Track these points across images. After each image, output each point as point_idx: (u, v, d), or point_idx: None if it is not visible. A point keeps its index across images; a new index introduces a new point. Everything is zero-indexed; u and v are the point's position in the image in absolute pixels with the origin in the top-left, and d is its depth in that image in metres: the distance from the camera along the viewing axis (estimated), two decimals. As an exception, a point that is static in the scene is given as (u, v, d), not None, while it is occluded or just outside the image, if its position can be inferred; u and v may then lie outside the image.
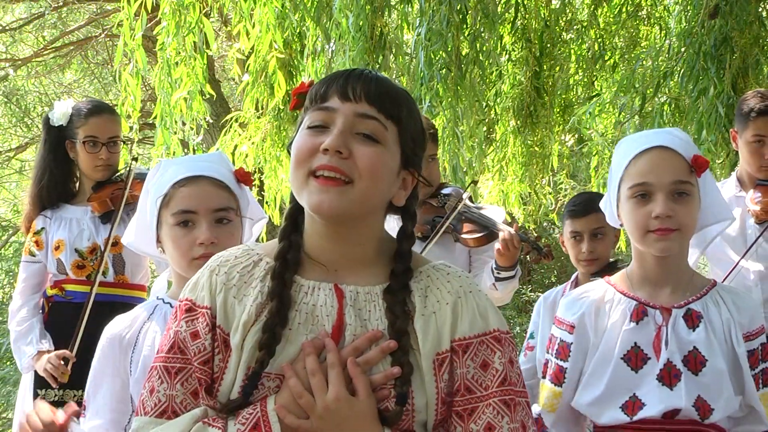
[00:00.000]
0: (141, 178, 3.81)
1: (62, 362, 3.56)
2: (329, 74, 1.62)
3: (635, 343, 2.20)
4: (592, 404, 2.22)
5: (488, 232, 3.62)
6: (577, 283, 3.50)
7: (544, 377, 2.33)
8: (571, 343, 2.26)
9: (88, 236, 3.73)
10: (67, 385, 3.59)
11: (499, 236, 3.51)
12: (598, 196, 3.51)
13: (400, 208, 1.63)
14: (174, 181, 2.24)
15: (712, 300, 2.25)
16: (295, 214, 1.63)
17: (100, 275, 3.66)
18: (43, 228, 3.75)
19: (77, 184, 3.85)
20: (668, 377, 2.16)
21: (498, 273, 3.57)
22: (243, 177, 2.34)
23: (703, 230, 2.34)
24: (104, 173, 3.79)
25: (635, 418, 2.16)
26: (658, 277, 2.25)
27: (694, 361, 2.17)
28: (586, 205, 3.41)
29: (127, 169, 3.81)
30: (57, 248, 3.72)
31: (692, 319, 2.21)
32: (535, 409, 2.32)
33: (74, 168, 3.83)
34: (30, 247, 3.76)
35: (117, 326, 2.29)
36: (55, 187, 3.78)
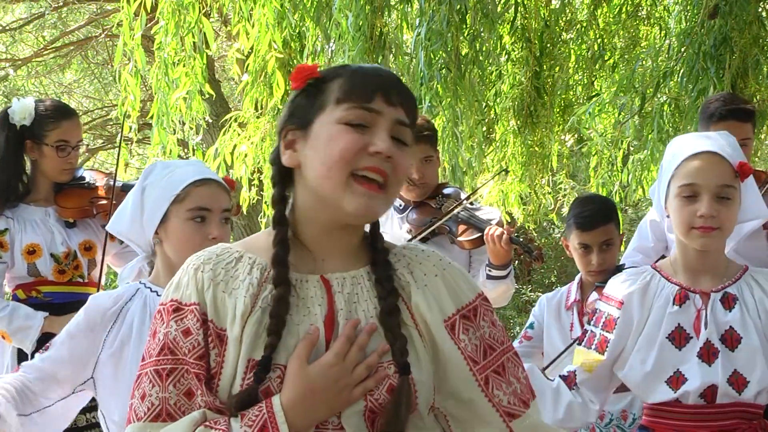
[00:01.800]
0: (126, 189, 3.78)
1: None
2: (360, 68, 1.61)
3: (678, 324, 2.47)
4: (643, 380, 2.48)
5: (483, 233, 3.61)
6: (581, 285, 3.51)
7: (581, 343, 2.59)
8: (618, 318, 2.52)
9: (62, 241, 3.66)
10: None
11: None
12: (606, 205, 3.54)
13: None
14: (190, 181, 2.46)
15: (746, 283, 2.52)
16: (283, 196, 1.62)
17: (78, 278, 3.66)
18: (6, 229, 3.62)
19: (30, 184, 3.72)
20: (707, 355, 2.43)
21: (489, 270, 3.58)
22: (231, 184, 2.63)
23: (739, 225, 2.57)
24: (69, 176, 3.72)
25: (678, 392, 2.42)
26: (699, 267, 2.52)
27: (731, 339, 2.45)
28: (594, 218, 3.39)
29: (113, 180, 3.74)
30: (32, 252, 3.62)
31: (728, 302, 2.48)
32: (569, 367, 2.57)
33: (25, 168, 3.71)
34: None
35: (103, 298, 2.49)
36: (10, 186, 3.64)
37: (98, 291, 3.68)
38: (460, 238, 3.66)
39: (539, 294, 12.64)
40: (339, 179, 1.53)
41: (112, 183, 3.72)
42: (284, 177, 1.62)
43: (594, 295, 3.34)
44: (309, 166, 1.56)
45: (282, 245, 1.58)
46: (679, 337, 2.46)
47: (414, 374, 1.53)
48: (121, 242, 3.72)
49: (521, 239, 3.60)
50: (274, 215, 1.62)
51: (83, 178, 3.82)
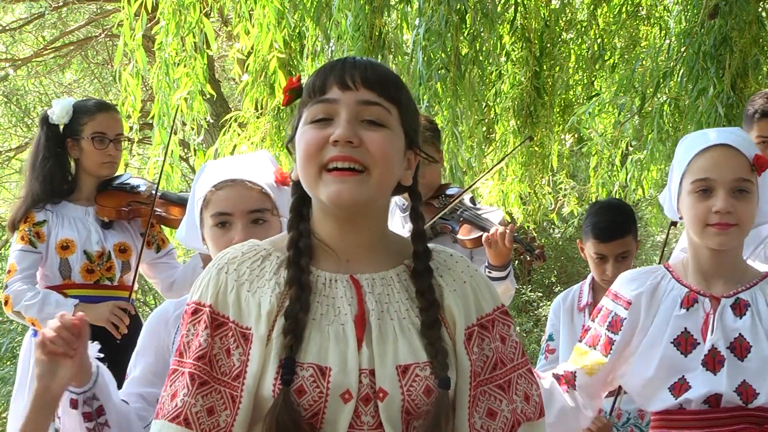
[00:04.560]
0: (165, 198, 3.85)
1: (123, 311, 3.58)
2: (322, 66, 1.62)
3: (685, 328, 2.30)
4: (644, 386, 2.32)
5: (485, 232, 3.60)
6: (593, 287, 3.50)
7: (581, 341, 2.42)
8: (625, 318, 2.35)
9: (97, 240, 3.69)
10: None
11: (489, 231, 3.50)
12: (625, 216, 3.48)
13: (407, 188, 1.65)
14: (212, 185, 2.33)
15: (762, 290, 2.33)
16: (300, 206, 1.64)
17: (107, 280, 3.68)
18: (45, 221, 3.67)
19: (74, 183, 3.79)
20: (712, 363, 2.26)
21: (489, 272, 3.56)
22: (281, 178, 2.41)
23: (756, 229, 2.44)
24: (110, 170, 3.77)
25: (679, 399, 2.26)
26: (713, 269, 2.34)
27: (740, 348, 2.27)
28: (614, 231, 3.36)
29: (155, 187, 3.78)
30: (65, 248, 3.66)
31: (740, 308, 2.31)
32: (566, 366, 2.41)
33: (70, 167, 3.79)
34: (30, 237, 3.64)
35: (165, 306, 2.39)
36: (54, 183, 3.71)
37: (130, 295, 3.74)
38: (462, 237, 3.66)
39: (539, 294, 12.64)
40: (311, 176, 1.55)
41: (153, 190, 3.76)
42: (299, 188, 1.63)
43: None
44: (299, 175, 1.59)
45: (295, 249, 1.58)
46: (685, 343, 2.30)
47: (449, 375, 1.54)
48: (158, 251, 3.79)
49: (522, 238, 3.60)
50: (288, 221, 1.63)
51: (128, 183, 3.86)
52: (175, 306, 2.37)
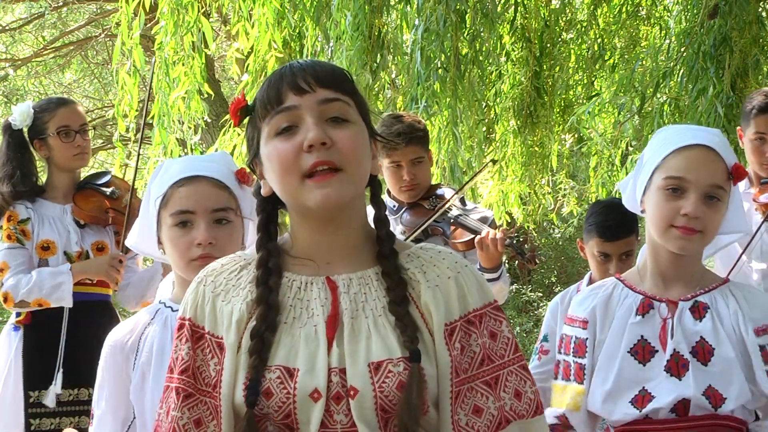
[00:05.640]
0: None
1: (119, 261, 3.63)
2: (267, 78, 1.61)
3: (642, 336, 2.21)
4: (605, 401, 2.22)
5: (476, 235, 3.59)
6: (591, 282, 3.49)
7: (557, 378, 2.33)
8: (587, 338, 2.26)
9: (76, 240, 3.72)
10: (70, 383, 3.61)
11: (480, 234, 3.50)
12: (627, 212, 3.45)
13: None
14: (172, 182, 2.23)
15: (721, 294, 2.23)
16: (267, 223, 1.63)
17: (87, 279, 3.68)
18: (28, 218, 3.68)
19: (48, 181, 3.81)
20: (676, 367, 2.17)
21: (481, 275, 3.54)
22: (243, 177, 2.33)
23: (717, 236, 2.30)
24: (83, 161, 3.80)
25: (645, 410, 2.16)
26: (670, 273, 2.25)
27: (703, 351, 2.18)
28: (619, 229, 3.35)
29: (129, 195, 3.79)
30: (46, 248, 3.67)
31: (699, 311, 2.21)
32: (552, 411, 2.30)
33: (35, 167, 3.80)
34: (17, 235, 3.65)
35: (119, 333, 2.30)
36: (27, 183, 3.72)
37: (111, 291, 3.78)
38: (453, 240, 3.65)
39: (539, 294, 12.64)
40: (292, 186, 1.54)
41: (129, 197, 3.77)
42: (265, 205, 1.63)
43: None
44: (275, 189, 1.58)
45: (264, 269, 1.59)
46: (642, 351, 2.20)
47: (425, 368, 1.53)
48: (125, 252, 3.77)
49: (515, 241, 3.58)
50: (256, 241, 1.63)
51: (109, 185, 3.86)
52: (129, 332, 2.28)
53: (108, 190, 3.84)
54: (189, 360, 1.57)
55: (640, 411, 2.17)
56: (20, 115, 3.74)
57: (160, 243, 2.28)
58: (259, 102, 1.59)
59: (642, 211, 2.30)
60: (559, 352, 2.34)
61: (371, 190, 1.67)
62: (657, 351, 2.19)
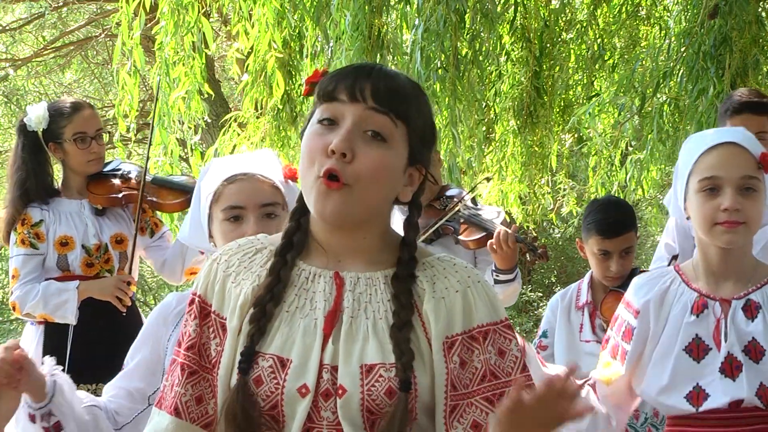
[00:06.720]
0: (157, 183, 3.88)
1: (126, 284, 3.65)
2: (338, 70, 1.61)
3: (696, 335, 2.30)
4: (660, 394, 2.31)
5: (487, 233, 3.61)
6: (592, 285, 3.50)
7: (606, 351, 2.42)
8: (635, 328, 2.35)
9: (94, 233, 3.73)
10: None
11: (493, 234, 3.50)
12: (627, 212, 3.49)
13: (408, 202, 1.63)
14: (224, 179, 2.30)
15: None
16: (301, 214, 1.63)
17: (106, 273, 3.73)
18: (41, 220, 3.70)
19: (64, 182, 3.82)
20: (730, 369, 2.26)
21: (497, 276, 3.56)
22: (290, 174, 2.40)
23: (764, 227, 2.42)
24: (97, 166, 3.79)
25: (701, 408, 2.25)
26: (722, 269, 2.33)
27: (755, 351, 2.27)
28: (618, 226, 3.36)
29: (142, 173, 3.80)
30: (64, 244, 3.69)
31: (751, 310, 2.29)
32: (594, 374, 2.41)
33: (51, 170, 3.82)
34: (30, 239, 3.68)
35: (168, 300, 2.38)
36: (41, 186, 3.73)
37: (130, 270, 3.80)
38: (464, 239, 3.67)
39: (539, 294, 12.65)
40: (309, 182, 1.55)
41: (142, 177, 3.79)
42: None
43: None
44: (299, 170, 1.61)
45: (287, 241, 1.59)
46: (697, 349, 2.29)
47: (418, 379, 1.53)
48: (152, 235, 3.83)
49: (525, 238, 3.60)
50: (291, 211, 1.64)
51: (119, 169, 3.89)
52: (177, 301, 2.35)
53: (118, 172, 3.86)
54: (195, 337, 1.59)
55: (697, 410, 2.26)
56: (36, 117, 3.73)
57: (211, 237, 2.34)
58: (319, 85, 1.59)
59: (687, 218, 2.38)
60: (611, 329, 2.43)
61: (409, 212, 1.63)
62: (711, 349, 2.28)
